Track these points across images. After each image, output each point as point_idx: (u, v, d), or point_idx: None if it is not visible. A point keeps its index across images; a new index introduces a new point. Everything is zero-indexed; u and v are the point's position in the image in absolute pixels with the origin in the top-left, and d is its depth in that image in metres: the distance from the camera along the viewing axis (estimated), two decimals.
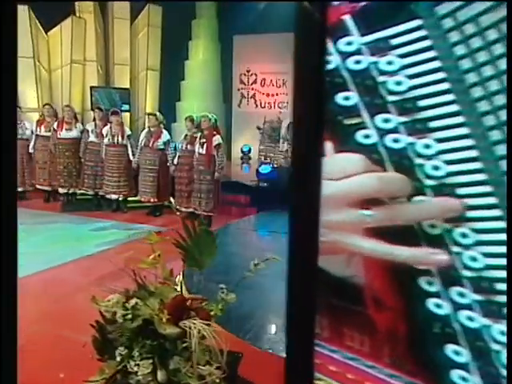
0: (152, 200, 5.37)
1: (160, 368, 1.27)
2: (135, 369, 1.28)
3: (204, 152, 4.95)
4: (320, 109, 0.59)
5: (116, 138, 5.47)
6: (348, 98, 0.61)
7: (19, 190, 6.28)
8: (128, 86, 10.40)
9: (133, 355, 1.31)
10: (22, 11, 8.78)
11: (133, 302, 1.36)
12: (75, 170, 5.98)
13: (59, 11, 9.20)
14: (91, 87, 9.40)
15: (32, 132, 6.17)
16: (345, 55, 0.61)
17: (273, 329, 2.70)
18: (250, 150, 9.98)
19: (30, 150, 6.14)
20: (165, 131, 5.33)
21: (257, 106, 10.79)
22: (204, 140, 4.99)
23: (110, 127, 5.54)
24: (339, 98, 0.61)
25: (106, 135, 5.46)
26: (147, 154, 5.23)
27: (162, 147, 5.22)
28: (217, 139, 5.01)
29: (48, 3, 8.90)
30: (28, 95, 9.13)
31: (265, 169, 5.78)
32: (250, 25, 10.49)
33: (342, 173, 0.62)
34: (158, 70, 10.86)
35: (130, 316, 1.33)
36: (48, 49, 9.49)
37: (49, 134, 5.92)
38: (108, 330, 1.41)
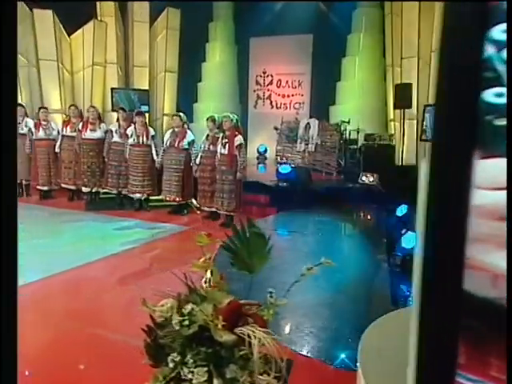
0: (177, 199, 5.32)
1: (216, 376, 1.21)
2: (189, 376, 1.22)
3: (226, 152, 4.88)
4: (473, 107, 0.51)
5: (141, 139, 5.43)
6: (501, 94, 0.53)
7: (45, 188, 6.25)
8: (147, 87, 10.41)
9: (186, 362, 1.25)
10: (47, 15, 8.83)
11: (189, 307, 1.28)
12: (99, 170, 5.97)
13: (82, 15, 9.22)
14: (112, 89, 9.41)
15: (58, 132, 6.17)
16: (500, 45, 0.53)
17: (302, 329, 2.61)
18: (266, 151, 9.91)
19: (56, 150, 6.14)
20: (189, 131, 5.28)
21: (272, 106, 10.74)
22: (226, 140, 4.90)
23: (135, 127, 5.50)
24: (490, 94, 0.53)
25: (131, 135, 5.43)
26: (173, 153, 5.18)
27: (186, 147, 5.17)
28: (239, 139, 4.92)
29: (71, 7, 8.94)
30: (52, 97, 9.20)
31: (285, 169, 5.68)
32: (266, 27, 10.43)
33: (492, 182, 0.54)
34: (176, 71, 10.83)
35: (186, 322, 1.26)
36: (71, 51, 9.53)
37: (74, 134, 5.91)
38: (159, 335, 1.34)
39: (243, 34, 10.79)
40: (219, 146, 4.99)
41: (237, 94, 11.13)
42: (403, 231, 4.29)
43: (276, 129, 7.91)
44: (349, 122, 6.97)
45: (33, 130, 6.10)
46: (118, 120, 5.88)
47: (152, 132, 5.53)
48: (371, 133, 7.07)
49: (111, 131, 5.79)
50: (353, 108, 8.89)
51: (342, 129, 6.88)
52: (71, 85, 9.61)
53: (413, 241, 3.49)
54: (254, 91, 10.82)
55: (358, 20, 9.53)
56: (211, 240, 1.52)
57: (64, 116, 9.37)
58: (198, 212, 5.20)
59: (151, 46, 10.48)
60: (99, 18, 9.60)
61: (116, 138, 5.71)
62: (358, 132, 7.25)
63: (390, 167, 6.01)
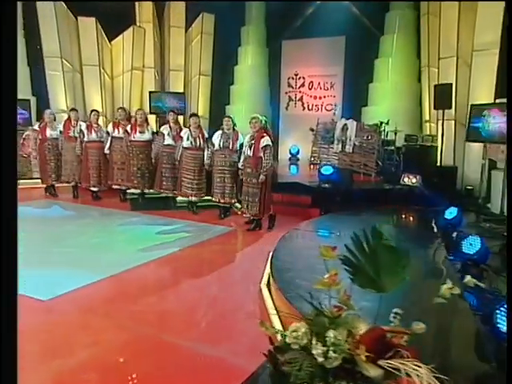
0: (233, 201, 5.18)
1: None
2: None
3: (251, 154, 4.66)
4: None
5: (198, 141, 5.28)
6: None
7: (96, 189, 6.27)
8: (182, 90, 10.45)
9: None
10: (90, 23, 8.98)
11: (331, 335, 1.11)
12: (147, 172, 5.94)
13: (122, 21, 9.33)
14: (150, 92, 9.49)
15: (108, 133, 6.16)
16: None
17: None
18: (298, 152, 9.78)
19: (106, 151, 6.18)
20: (240, 133, 5.16)
21: (304, 108, 10.58)
22: (253, 142, 4.66)
23: (190, 130, 5.35)
24: None
25: (188, 138, 5.31)
26: (226, 155, 5.01)
27: (238, 149, 5.03)
28: (265, 141, 4.62)
29: (112, 14, 9.06)
30: (94, 100, 9.35)
31: (327, 170, 5.54)
32: (297, 30, 10.28)
33: None
34: (210, 75, 10.83)
35: (332, 354, 1.07)
36: (111, 57, 9.66)
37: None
38: (280, 360, 1.18)
39: (275, 37, 10.68)
40: (246, 148, 4.78)
41: (268, 96, 11.03)
42: (454, 234, 4.09)
43: (312, 130, 7.76)
44: (388, 123, 6.76)
45: (85, 132, 6.15)
46: (168, 122, 5.79)
47: (206, 134, 5.39)
48: (412, 134, 6.83)
49: (162, 134, 5.70)
50: (386, 109, 8.64)
51: (381, 129, 6.67)
52: (111, 89, 9.74)
53: (476, 246, 3.29)
54: (286, 93, 10.70)
55: (391, 21, 9.27)
56: (337, 255, 1.33)
57: (105, 118, 9.53)
58: (244, 215, 5.02)
59: (186, 51, 10.53)
60: (138, 24, 9.69)
61: (169, 141, 5.62)
62: (395, 133, 7.03)
63: (432, 169, 5.77)
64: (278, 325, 2.49)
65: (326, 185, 5.47)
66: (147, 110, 9.87)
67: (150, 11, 9.81)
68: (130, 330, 2.58)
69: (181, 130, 5.57)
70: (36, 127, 6.49)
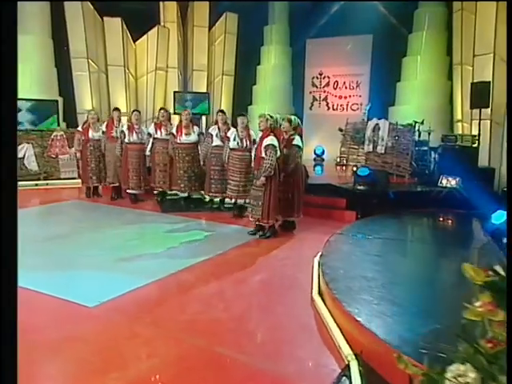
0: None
1: None
2: None
3: (254, 154, 4.41)
4: None
5: (245, 142, 4.95)
6: None
7: (135, 192, 6.01)
8: (205, 90, 10.32)
9: None
10: (116, 23, 8.91)
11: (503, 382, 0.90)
12: (194, 175, 5.68)
13: (146, 21, 9.25)
14: (174, 92, 9.38)
15: (150, 135, 5.83)
16: None
17: None
18: (323, 152, 9.55)
19: (147, 153, 5.87)
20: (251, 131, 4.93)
21: (329, 108, 10.34)
22: (259, 141, 4.40)
23: (237, 130, 5.00)
24: None
25: (234, 139, 4.96)
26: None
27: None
28: (269, 140, 4.25)
29: (136, 13, 8.98)
30: (119, 100, 9.28)
31: (363, 171, 5.30)
32: (321, 29, 10.04)
33: None
34: (233, 74, 10.68)
35: None
36: (135, 57, 9.59)
37: (167, 137, 5.69)
38: None
39: (298, 37, 10.46)
40: (253, 148, 4.50)
41: (290, 95, 10.83)
42: (504, 240, 3.82)
43: (340, 130, 7.52)
44: (422, 123, 6.48)
45: (126, 133, 5.83)
46: (216, 123, 5.58)
47: (253, 135, 5.11)
48: (450, 134, 6.53)
49: (211, 135, 5.44)
50: (414, 108, 8.35)
51: (416, 129, 6.39)
52: (135, 89, 9.67)
53: None
54: (310, 93, 10.48)
55: (420, 19, 8.96)
56: (486, 275, 1.09)
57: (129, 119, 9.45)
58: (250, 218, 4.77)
59: (209, 50, 10.39)
60: (162, 24, 9.59)
61: (218, 142, 5.33)
62: (429, 133, 6.74)
63: (472, 170, 5.47)
64: (341, 341, 2.29)
65: (362, 186, 5.23)
66: (171, 109, 9.82)
67: (175, 11, 9.71)
68: (181, 341, 2.41)
69: (229, 129, 5.29)
70: (79, 128, 6.36)
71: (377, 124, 6.81)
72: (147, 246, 4.10)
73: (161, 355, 2.24)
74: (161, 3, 9.55)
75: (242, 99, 10.83)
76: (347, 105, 10.01)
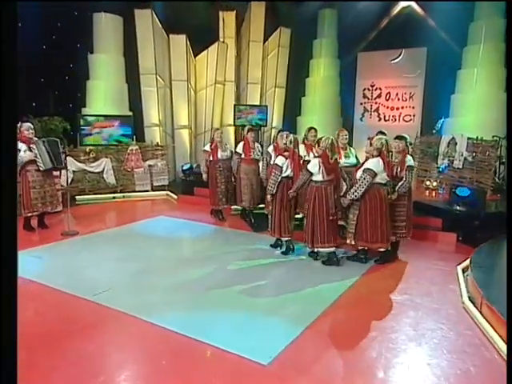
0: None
1: None
2: None
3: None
4: None
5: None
6: None
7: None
8: (258, 102, 10.21)
9: None
10: (181, 40, 8.84)
11: None
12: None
13: (206, 37, 9.16)
14: (235, 105, 9.28)
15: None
16: None
17: None
18: None
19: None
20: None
21: (380, 119, 10.16)
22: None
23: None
24: None
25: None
26: None
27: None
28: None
29: (198, 30, 8.89)
30: (181, 114, 9.22)
31: (463, 191, 5.15)
32: (371, 42, 9.87)
33: None
34: (284, 86, 10.57)
35: None
36: (195, 71, 9.51)
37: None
38: None
39: (347, 49, 10.29)
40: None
41: (339, 107, 10.68)
42: None
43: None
44: (505, 138, 6.30)
45: (272, 154, 5.06)
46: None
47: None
48: None
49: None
50: (471, 121, 8.17)
51: (499, 145, 6.21)
52: (194, 102, 9.59)
53: None
54: (361, 104, 10.32)
55: (476, 31, 8.74)
56: None
57: (190, 131, 9.39)
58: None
59: (263, 63, 10.27)
60: (221, 40, 9.49)
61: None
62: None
63: None
64: None
65: (462, 208, 5.07)
66: (227, 122, 9.74)
67: (233, 26, 9.61)
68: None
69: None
70: (207, 148, 5.83)
71: (452, 138, 6.64)
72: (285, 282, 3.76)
73: None
74: (221, 19, 9.45)
75: (291, 110, 10.72)
76: (399, 116, 9.84)
